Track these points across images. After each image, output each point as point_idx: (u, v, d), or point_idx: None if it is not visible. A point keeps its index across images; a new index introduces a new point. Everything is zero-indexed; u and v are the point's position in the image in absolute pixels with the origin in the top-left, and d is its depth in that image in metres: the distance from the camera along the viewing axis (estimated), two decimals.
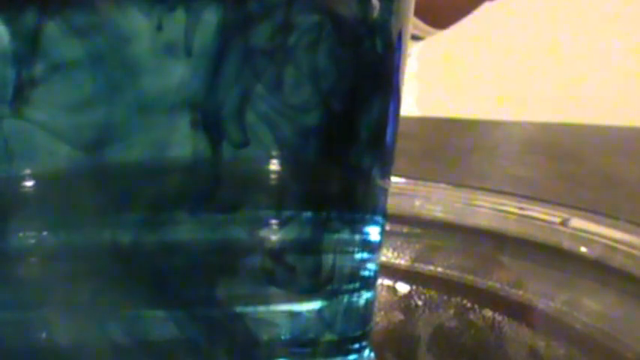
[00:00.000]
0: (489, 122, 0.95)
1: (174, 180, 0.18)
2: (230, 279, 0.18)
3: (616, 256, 0.30)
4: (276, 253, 0.19)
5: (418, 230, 0.35)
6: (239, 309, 0.19)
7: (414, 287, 0.33)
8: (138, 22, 0.17)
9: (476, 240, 0.34)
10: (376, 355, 0.23)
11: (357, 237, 0.21)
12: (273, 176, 0.18)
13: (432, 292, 0.33)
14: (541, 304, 0.31)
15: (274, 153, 0.18)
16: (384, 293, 0.33)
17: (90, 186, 0.17)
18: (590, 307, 0.30)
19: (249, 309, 0.19)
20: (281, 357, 0.19)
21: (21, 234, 0.18)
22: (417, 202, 0.35)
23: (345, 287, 0.20)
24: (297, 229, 0.19)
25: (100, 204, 0.18)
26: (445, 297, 0.32)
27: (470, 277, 0.33)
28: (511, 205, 0.34)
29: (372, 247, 0.22)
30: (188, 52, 0.17)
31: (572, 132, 0.86)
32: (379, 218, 0.22)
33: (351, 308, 0.21)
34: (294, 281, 0.19)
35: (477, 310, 0.32)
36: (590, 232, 0.31)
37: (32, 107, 0.17)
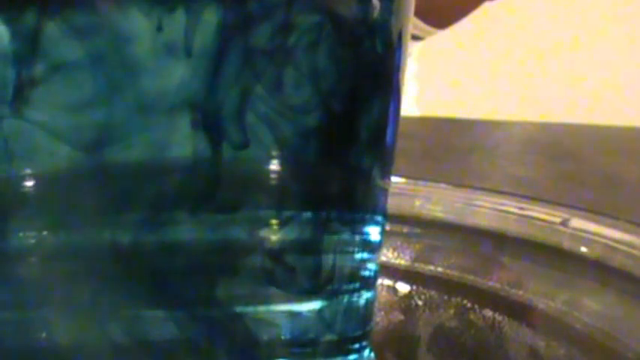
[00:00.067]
0: (489, 122, 0.95)
1: (174, 180, 0.18)
2: (230, 279, 0.18)
3: (616, 256, 0.30)
4: (276, 254, 0.19)
5: (418, 230, 0.35)
6: (239, 309, 0.19)
7: (414, 287, 0.33)
8: (138, 23, 0.17)
9: (476, 240, 0.34)
10: (376, 355, 0.23)
11: (357, 237, 0.21)
12: (273, 176, 0.18)
13: (432, 292, 0.33)
14: (541, 304, 0.31)
15: (274, 153, 0.18)
16: (384, 293, 0.33)
17: (90, 186, 0.17)
18: (591, 307, 0.30)
19: (249, 309, 0.19)
20: (281, 357, 0.19)
21: (21, 234, 0.18)
22: (417, 202, 0.35)
23: (345, 287, 0.20)
24: (297, 229, 0.19)
25: (100, 204, 0.18)
26: (445, 297, 0.32)
27: (470, 277, 0.33)
28: (511, 205, 0.34)
29: (373, 247, 0.22)
30: (188, 53, 0.17)
31: (572, 132, 0.86)
32: (379, 218, 0.22)
33: (351, 308, 0.21)
34: (294, 281, 0.19)
35: (477, 310, 0.32)
36: (591, 232, 0.31)
37: (32, 107, 0.17)
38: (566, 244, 0.32)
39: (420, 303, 0.33)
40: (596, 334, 0.29)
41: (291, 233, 0.19)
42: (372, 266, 0.22)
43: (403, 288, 0.33)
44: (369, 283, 0.22)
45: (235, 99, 0.17)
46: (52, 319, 0.18)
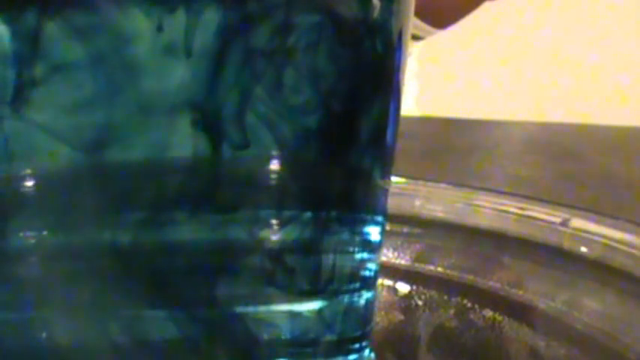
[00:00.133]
0: (489, 122, 0.95)
1: (175, 180, 0.18)
2: (230, 279, 0.18)
3: (616, 256, 0.30)
4: (277, 254, 0.19)
5: (418, 230, 0.35)
6: (239, 309, 0.19)
7: (414, 287, 0.33)
8: (138, 23, 0.17)
9: (476, 240, 0.34)
10: (376, 355, 0.23)
11: (358, 237, 0.21)
12: (273, 177, 0.18)
13: (432, 292, 0.33)
14: (541, 304, 0.31)
15: (274, 154, 0.18)
16: (384, 293, 0.33)
17: (90, 186, 0.17)
18: (591, 307, 0.30)
19: (249, 309, 0.19)
20: (281, 357, 0.19)
21: (21, 234, 0.18)
22: (417, 202, 0.35)
23: (345, 287, 0.20)
24: (297, 229, 0.19)
25: (100, 204, 0.18)
26: (445, 297, 0.32)
27: (470, 277, 0.33)
28: (511, 205, 0.34)
29: (373, 247, 0.22)
30: (188, 53, 0.17)
31: (572, 132, 0.86)
32: (379, 218, 0.22)
33: (351, 308, 0.21)
34: (294, 282, 0.19)
35: (477, 310, 0.32)
36: (591, 232, 0.31)
37: (32, 108, 0.17)
38: (567, 244, 0.32)
39: (420, 303, 0.33)
40: (597, 334, 0.29)
41: (291, 233, 0.19)
42: (372, 266, 0.22)
43: (403, 288, 0.33)
44: (369, 283, 0.22)
45: (235, 99, 0.17)
46: (52, 319, 0.18)
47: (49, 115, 0.17)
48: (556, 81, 1.46)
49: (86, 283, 0.18)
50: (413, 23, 0.22)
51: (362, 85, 0.20)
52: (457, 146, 0.75)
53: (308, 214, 0.19)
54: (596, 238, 0.31)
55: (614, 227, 0.31)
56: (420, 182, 0.36)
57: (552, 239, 0.32)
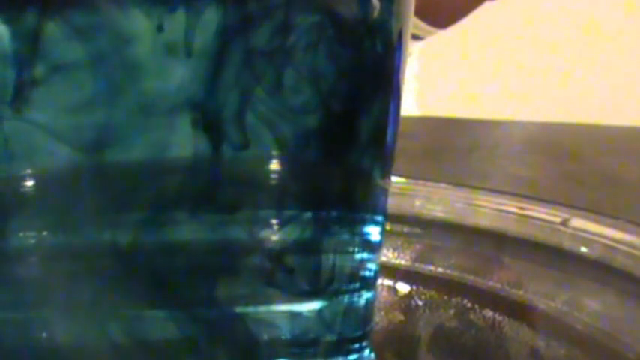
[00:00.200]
0: (489, 122, 0.95)
1: (175, 181, 0.18)
2: (230, 279, 0.18)
3: (616, 256, 0.30)
4: (277, 254, 0.19)
5: (418, 230, 0.35)
6: (239, 309, 0.19)
7: (414, 287, 0.33)
8: (138, 23, 0.17)
9: (476, 240, 0.34)
10: (376, 355, 0.23)
11: (358, 237, 0.21)
12: (273, 177, 0.18)
13: (432, 292, 0.33)
14: (541, 304, 0.31)
15: (274, 154, 0.18)
16: (384, 293, 0.33)
17: (90, 186, 0.17)
18: (591, 307, 0.30)
19: (249, 309, 0.19)
20: (281, 357, 0.19)
21: (21, 234, 0.18)
22: (418, 202, 0.35)
23: (345, 287, 0.20)
24: (297, 229, 0.19)
25: (100, 204, 0.18)
26: (445, 297, 0.32)
27: (470, 277, 0.33)
28: (511, 205, 0.34)
29: (373, 247, 0.22)
30: (188, 53, 0.17)
31: (572, 132, 0.86)
32: (379, 218, 0.22)
33: (351, 308, 0.21)
34: (294, 282, 0.19)
35: (478, 310, 0.32)
36: (591, 232, 0.31)
37: (32, 108, 0.17)
38: (567, 244, 0.32)
39: (420, 303, 0.33)
40: (597, 334, 0.29)
41: (292, 233, 0.19)
42: (372, 266, 0.22)
43: (403, 288, 0.33)
44: (369, 283, 0.22)
45: (235, 99, 0.17)
46: (52, 319, 0.18)
47: (49, 115, 0.17)
48: (556, 81, 1.46)
49: (86, 283, 0.18)
50: (413, 23, 0.22)
51: (362, 85, 0.20)
52: (457, 146, 0.75)
53: (308, 214, 0.19)
54: (596, 238, 0.31)
55: (614, 227, 0.31)
56: (420, 182, 0.36)
57: (552, 239, 0.32)
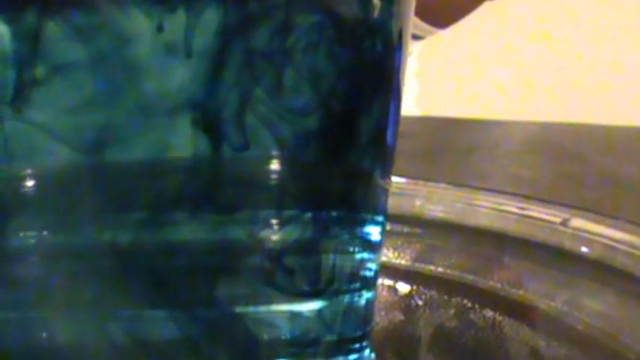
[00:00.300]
0: (489, 122, 0.95)
1: (175, 181, 0.18)
2: (230, 279, 0.18)
3: (617, 256, 0.30)
4: (277, 254, 0.19)
5: (418, 230, 0.35)
6: (239, 309, 0.19)
7: (414, 287, 0.33)
8: (138, 23, 0.17)
9: (476, 240, 0.34)
10: (376, 355, 0.23)
11: (358, 237, 0.21)
12: (273, 177, 0.18)
13: (433, 292, 0.33)
14: (541, 304, 0.31)
15: (274, 154, 0.18)
16: (384, 293, 0.33)
17: (90, 187, 0.17)
18: (591, 307, 0.30)
19: (249, 309, 0.19)
20: (281, 357, 0.19)
21: (21, 234, 0.18)
22: (418, 202, 0.35)
23: (345, 287, 0.20)
24: (297, 229, 0.19)
25: (100, 204, 0.18)
26: (445, 297, 0.32)
27: (470, 277, 0.33)
28: (512, 205, 0.34)
29: (373, 247, 0.22)
30: (188, 53, 0.17)
31: (572, 132, 0.86)
32: (380, 218, 0.22)
33: (351, 308, 0.21)
34: (294, 282, 0.19)
35: (478, 310, 0.32)
36: (591, 232, 0.31)
37: (33, 108, 0.17)
38: (567, 244, 0.32)
39: (420, 303, 0.33)
40: (597, 334, 0.29)
41: (292, 234, 0.19)
42: (372, 266, 0.22)
43: (403, 288, 0.33)
44: (369, 283, 0.22)
45: (235, 100, 0.17)
46: (52, 319, 0.18)
47: (49, 116, 0.17)
48: (556, 81, 1.46)
49: (86, 283, 0.18)
50: (413, 22, 0.22)
51: (362, 85, 0.20)
52: (457, 146, 0.75)
53: (308, 215, 0.19)
54: (596, 238, 0.31)
55: (614, 227, 0.31)
56: (420, 182, 0.36)
57: (552, 239, 0.32)
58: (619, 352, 0.28)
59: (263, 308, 0.19)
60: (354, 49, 0.19)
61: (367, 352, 0.22)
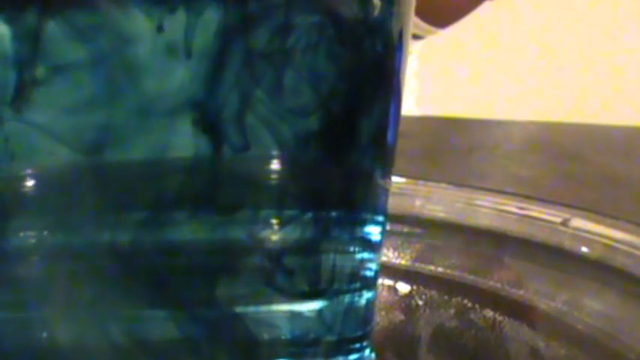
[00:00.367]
0: (489, 122, 0.95)
1: (175, 181, 0.18)
2: (230, 279, 0.18)
3: (617, 256, 0.30)
4: (277, 254, 0.19)
5: (418, 230, 0.35)
6: (239, 309, 0.19)
7: (414, 287, 0.33)
8: (138, 23, 0.17)
9: (476, 240, 0.34)
10: (377, 355, 0.23)
11: (358, 237, 0.21)
12: (273, 177, 0.18)
13: (433, 292, 0.33)
14: (542, 304, 0.31)
15: (274, 154, 0.18)
16: (384, 293, 0.33)
17: (90, 187, 0.17)
18: (591, 307, 0.30)
19: (249, 309, 0.19)
20: (281, 357, 0.19)
21: (21, 234, 0.18)
22: (418, 202, 0.35)
23: (345, 287, 0.20)
24: (297, 229, 0.19)
25: (100, 204, 0.18)
26: (446, 297, 0.32)
27: (470, 277, 0.33)
28: (512, 205, 0.34)
29: (373, 247, 0.22)
30: (188, 54, 0.17)
31: (573, 131, 0.86)
32: (380, 218, 0.22)
33: (351, 308, 0.21)
34: (294, 282, 0.19)
35: (478, 310, 0.32)
36: (591, 232, 0.31)
37: (33, 108, 0.17)
38: (567, 244, 0.32)
39: (420, 303, 0.33)
40: (597, 334, 0.29)
41: (292, 234, 0.19)
42: (372, 266, 0.22)
43: (403, 288, 0.33)
44: (369, 283, 0.22)
45: (235, 100, 0.17)
46: (52, 319, 0.18)
47: (49, 116, 0.17)
48: (556, 81, 1.46)
49: (86, 283, 0.18)
50: (413, 22, 0.22)
51: (362, 85, 0.20)
52: (457, 146, 0.75)
53: (308, 215, 0.19)
54: (596, 238, 0.31)
55: (615, 227, 0.31)
56: (420, 182, 0.36)
57: (552, 239, 0.32)
58: (619, 352, 0.28)
59: (263, 308, 0.19)
60: (354, 49, 0.19)
61: (367, 352, 0.22)
